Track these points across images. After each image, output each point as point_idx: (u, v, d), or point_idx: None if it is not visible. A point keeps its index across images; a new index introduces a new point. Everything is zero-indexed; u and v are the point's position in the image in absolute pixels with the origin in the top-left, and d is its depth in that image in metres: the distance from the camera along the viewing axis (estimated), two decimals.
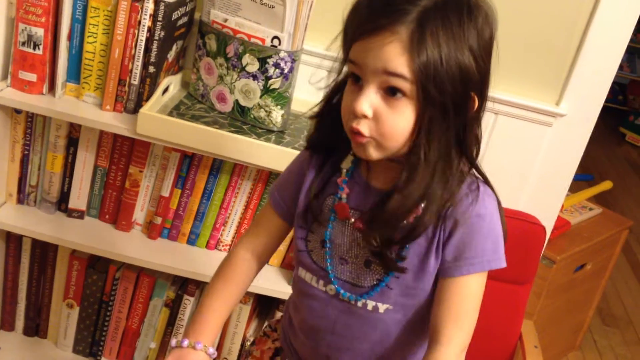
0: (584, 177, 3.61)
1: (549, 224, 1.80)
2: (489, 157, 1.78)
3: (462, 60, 0.88)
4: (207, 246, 1.79)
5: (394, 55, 0.87)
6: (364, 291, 1.04)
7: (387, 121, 0.91)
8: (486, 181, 1.03)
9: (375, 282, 1.03)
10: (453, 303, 0.99)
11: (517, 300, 1.76)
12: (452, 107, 0.90)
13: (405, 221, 0.96)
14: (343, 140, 1.00)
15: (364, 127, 0.92)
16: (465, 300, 1.00)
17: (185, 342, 1.04)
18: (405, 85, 0.88)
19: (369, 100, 0.90)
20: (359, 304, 1.04)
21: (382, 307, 1.04)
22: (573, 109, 1.72)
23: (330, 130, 1.03)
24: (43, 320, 1.93)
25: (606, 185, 2.88)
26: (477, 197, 0.98)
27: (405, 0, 0.88)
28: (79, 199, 1.77)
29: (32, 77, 1.61)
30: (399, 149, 0.93)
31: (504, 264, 1.01)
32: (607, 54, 1.68)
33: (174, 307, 1.83)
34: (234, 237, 1.78)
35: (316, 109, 1.06)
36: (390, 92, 0.90)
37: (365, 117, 0.91)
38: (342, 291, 1.05)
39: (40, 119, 1.70)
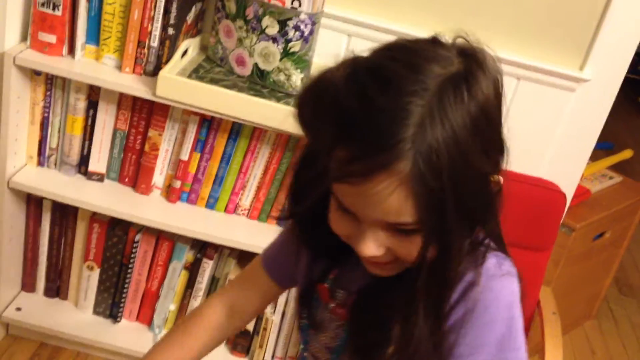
0: (604, 145, 3.57)
1: (569, 191, 1.79)
2: (510, 123, 1.75)
3: (477, 166, 0.71)
4: (226, 210, 1.79)
5: (398, 205, 0.69)
6: None
7: (403, 252, 0.75)
8: (502, 250, 0.85)
9: None
10: None
11: (536, 267, 1.75)
12: (473, 214, 0.74)
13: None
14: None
15: (378, 259, 0.78)
16: None
17: None
18: (416, 225, 0.72)
19: (376, 241, 0.75)
20: None
21: None
22: (597, 74, 1.70)
23: (324, 236, 0.83)
24: (63, 282, 1.94)
25: (626, 154, 2.85)
26: (482, 279, 0.80)
27: (393, 118, 0.67)
28: (98, 161, 1.77)
29: (51, 38, 1.60)
30: None
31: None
32: (633, 16, 1.64)
33: (193, 269, 1.84)
34: (252, 201, 1.78)
35: (297, 211, 0.88)
36: (400, 230, 0.74)
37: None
38: None
39: (60, 81, 1.70)
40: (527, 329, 1.76)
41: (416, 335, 0.77)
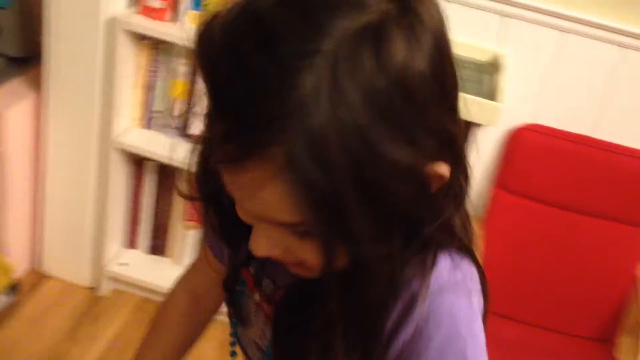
0: None
1: None
2: (615, 96, 1.71)
3: (391, 157, 0.50)
4: None
5: (273, 201, 0.52)
6: None
7: (305, 256, 0.58)
8: (459, 242, 0.64)
9: None
10: None
11: (633, 242, 1.71)
12: (401, 216, 0.56)
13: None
14: None
15: (281, 259, 0.61)
16: None
17: None
18: (308, 229, 0.55)
19: (268, 240, 0.58)
20: None
21: None
22: None
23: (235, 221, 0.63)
24: (165, 240, 2.04)
25: None
26: (428, 288, 0.60)
27: (269, 87, 0.48)
28: (199, 125, 1.83)
29: (158, 4, 1.66)
30: None
31: None
32: None
33: None
34: None
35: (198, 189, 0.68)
36: (295, 231, 0.56)
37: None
38: None
39: (164, 46, 1.76)
40: (623, 306, 1.72)
41: None
